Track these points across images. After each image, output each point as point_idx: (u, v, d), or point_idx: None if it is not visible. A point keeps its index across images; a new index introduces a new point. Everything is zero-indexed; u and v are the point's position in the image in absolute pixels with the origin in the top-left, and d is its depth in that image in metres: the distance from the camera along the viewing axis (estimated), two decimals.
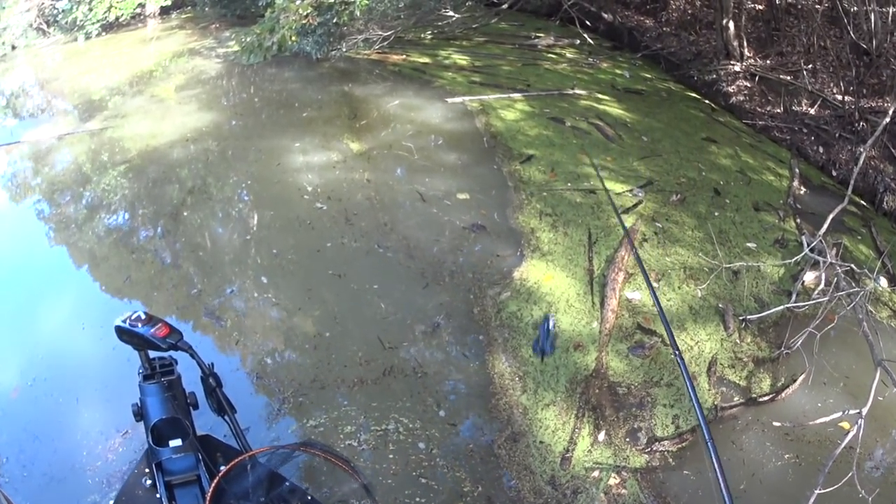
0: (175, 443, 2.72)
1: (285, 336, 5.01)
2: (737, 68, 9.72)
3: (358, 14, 9.29)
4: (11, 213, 7.30)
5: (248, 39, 8.99)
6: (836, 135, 8.07)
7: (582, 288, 5.32)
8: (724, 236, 6.06)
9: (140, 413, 2.95)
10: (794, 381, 4.51)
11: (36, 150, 8.80)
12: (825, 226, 5.92)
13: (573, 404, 4.37)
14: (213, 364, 3.02)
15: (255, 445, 3.05)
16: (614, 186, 6.72)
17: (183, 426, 2.80)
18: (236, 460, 2.67)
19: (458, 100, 8.92)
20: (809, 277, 5.44)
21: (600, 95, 9.22)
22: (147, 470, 2.75)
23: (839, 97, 8.46)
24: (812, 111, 8.61)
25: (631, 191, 6.69)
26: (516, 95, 9.08)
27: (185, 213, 6.70)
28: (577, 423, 4.24)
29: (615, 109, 8.71)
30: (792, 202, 6.74)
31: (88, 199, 7.27)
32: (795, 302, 5.08)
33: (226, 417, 3.01)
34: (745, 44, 9.87)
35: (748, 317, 5.00)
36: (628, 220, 6.16)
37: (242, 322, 5.18)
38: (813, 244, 5.39)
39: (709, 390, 4.49)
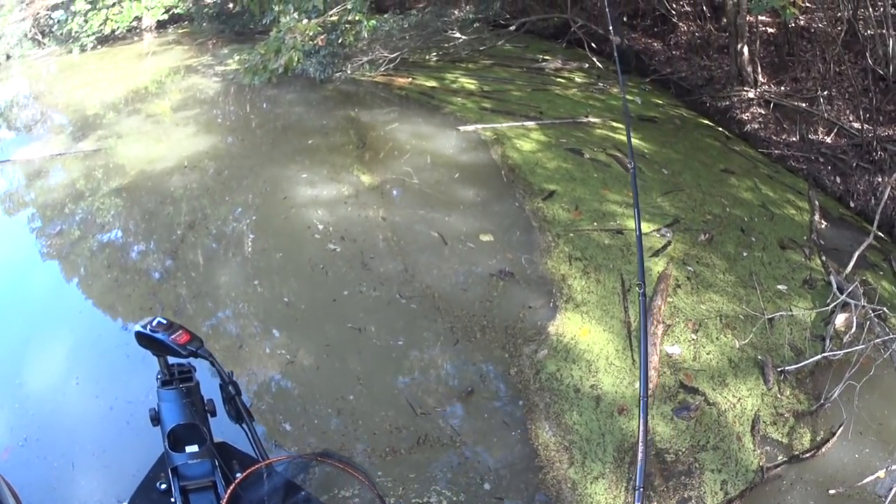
0: (192, 448, 2.71)
1: (304, 399, 4.61)
2: (751, 95, 9.50)
3: (365, 35, 8.98)
4: None
5: (252, 60, 8.61)
6: (854, 164, 7.90)
7: (620, 343, 5.02)
8: (756, 278, 5.83)
9: (157, 418, 2.92)
10: (833, 434, 4.36)
11: (26, 170, 8.45)
12: (850, 265, 5.92)
13: (622, 476, 4.08)
14: (232, 372, 2.98)
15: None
16: (641, 225, 6.41)
17: (200, 432, 2.80)
18: (253, 468, 2.63)
19: (470, 128, 8.61)
20: (840, 320, 5.27)
21: (614, 124, 8.95)
22: (162, 474, 2.73)
23: (856, 125, 8.28)
24: (828, 140, 8.42)
25: (658, 230, 6.41)
26: (530, 124, 8.78)
27: (185, 253, 6.31)
28: (627, 497, 3.96)
29: (631, 139, 8.41)
30: (815, 238, 6.57)
31: (80, 231, 6.88)
32: (829, 346, 4.97)
33: (243, 426, 2.95)
34: (759, 69, 9.63)
35: (786, 368, 4.80)
36: (659, 264, 5.91)
37: (255, 382, 4.80)
38: (849, 289, 5.39)
39: (753, 451, 4.26)
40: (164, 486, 2.67)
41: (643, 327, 2.73)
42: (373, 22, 9.03)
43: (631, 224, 6.39)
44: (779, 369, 4.85)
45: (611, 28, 6.29)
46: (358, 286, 5.68)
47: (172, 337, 2.83)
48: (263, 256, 6.21)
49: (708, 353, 4.98)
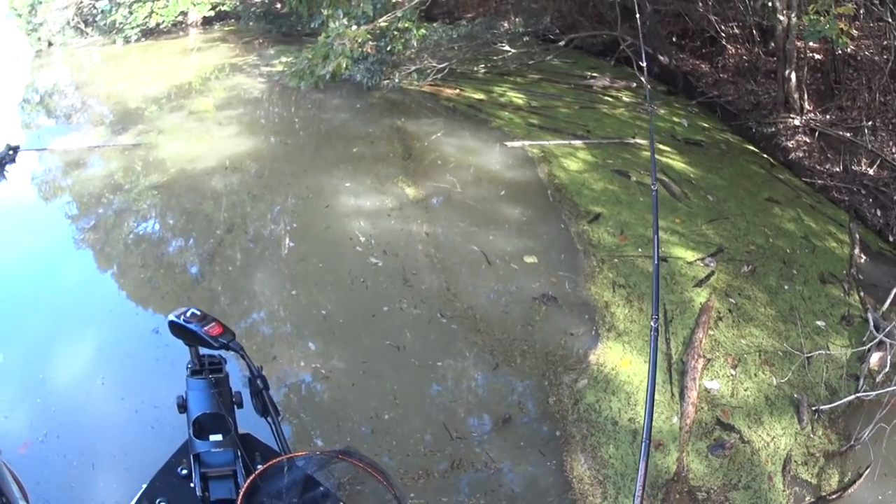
0: (216, 437, 2.76)
1: (337, 416, 4.58)
2: (796, 122, 9.37)
3: (414, 43, 8.97)
4: (25, 236, 6.86)
5: (300, 64, 8.60)
6: (894, 197, 7.73)
7: (661, 376, 4.96)
8: (795, 313, 5.77)
9: (184, 405, 2.98)
10: (860, 475, 4.32)
11: (63, 160, 8.53)
12: (888, 302, 5.89)
13: None
14: (261, 367, 3.02)
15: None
16: (685, 253, 6.41)
17: (225, 422, 2.84)
18: (274, 460, 2.66)
19: (517, 144, 8.60)
20: (874, 359, 5.21)
21: (661, 146, 8.87)
22: (184, 460, 2.77)
23: None
24: (871, 171, 8.29)
25: (703, 259, 6.36)
26: (577, 142, 8.75)
27: (223, 258, 6.31)
28: None
29: (678, 163, 8.37)
30: (855, 272, 6.51)
31: (115, 226, 6.91)
32: (862, 386, 4.95)
33: (269, 419, 2.98)
34: (805, 96, 9.51)
35: (821, 407, 4.76)
36: (702, 294, 5.85)
37: (288, 394, 4.79)
38: (886, 329, 5.27)
39: (783, 491, 4.22)
40: (184, 472, 2.71)
41: (652, 362, 2.76)
42: (422, 31, 9.02)
43: (675, 251, 6.41)
44: (813, 408, 4.79)
45: (642, 46, 6.16)
46: (398, 302, 5.65)
47: (206, 328, 2.88)
48: (302, 265, 6.20)
49: (746, 390, 4.93)
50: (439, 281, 5.93)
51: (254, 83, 11.43)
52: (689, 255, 6.39)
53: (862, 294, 6.15)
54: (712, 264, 6.31)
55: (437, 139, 8.83)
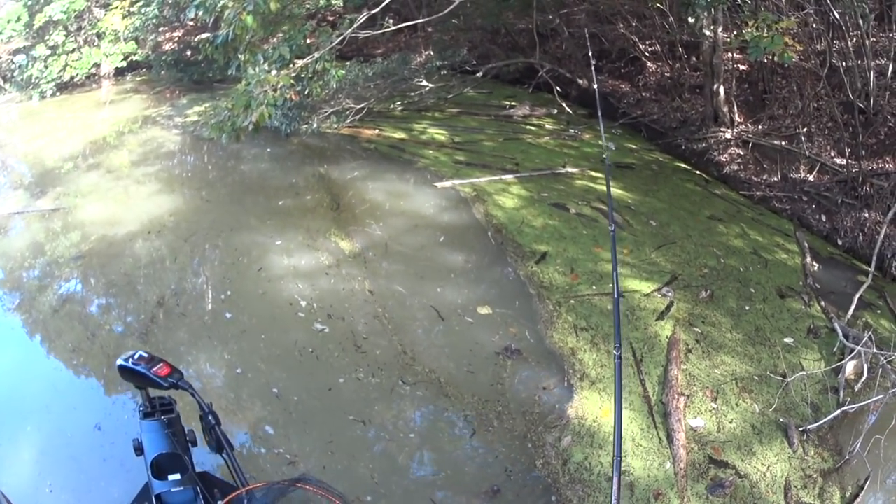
0: (174, 476, 2.83)
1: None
2: (727, 135, 9.34)
3: (333, 84, 8.55)
4: None
5: (219, 115, 7.98)
6: (839, 201, 7.78)
7: (644, 421, 4.73)
8: (762, 333, 5.70)
9: (140, 448, 3.04)
10: (862, 488, 4.30)
11: None
12: (851, 309, 5.95)
13: None
14: (211, 403, 3.08)
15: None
16: (640, 285, 6.22)
17: (182, 461, 2.91)
18: (234, 494, 2.71)
19: (447, 184, 8.29)
20: (850, 368, 5.21)
21: (593, 173, 8.72)
22: (146, 502, 2.83)
23: (838, 161, 8.16)
24: (811, 177, 8.28)
25: (659, 290, 6.17)
26: (508, 177, 8.49)
27: (157, 337, 5.76)
28: None
29: (613, 189, 8.14)
30: (811, 282, 6.49)
31: (39, 309, 6.33)
32: (843, 397, 4.98)
33: (224, 455, 3.04)
34: (735, 108, 9.48)
35: (808, 427, 4.69)
36: (666, 328, 5.66)
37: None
38: (854, 336, 5.45)
39: None
40: None
41: (617, 389, 2.78)
42: (341, 71, 8.57)
43: (630, 284, 6.21)
44: (800, 429, 4.70)
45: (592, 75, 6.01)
46: (354, 372, 5.21)
47: (154, 369, 3.00)
48: (244, 339, 5.69)
49: (731, 422, 4.76)
50: (393, 344, 5.52)
51: (168, 135, 10.98)
52: (645, 287, 6.20)
53: (823, 304, 6.14)
54: (670, 294, 6.13)
55: (365, 186, 8.47)
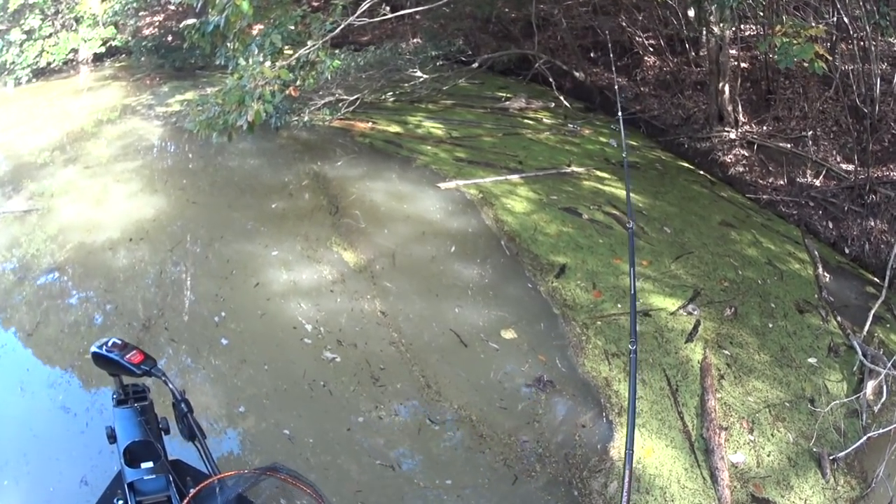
0: (147, 465, 2.81)
1: None
2: (732, 135, 9.09)
3: (328, 76, 8.06)
4: None
5: (209, 111, 7.31)
6: (845, 208, 7.61)
7: (686, 460, 4.49)
8: (787, 354, 5.56)
9: (113, 436, 3.02)
10: None
11: None
12: (867, 326, 5.89)
13: None
14: (184, 391, 3.02)
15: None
16: (664, 302, 6.00)
17: (155, 449, 2.90)
18: (206, 482, 2.70)
19: (450, 185, 7.93)
20: (870, 389, 5.15)
21: (599, 173, 8.45)
22: (119, 490, 2.78)
23: (844, 166, 8.01)
24: (817, 182, 8.10)
25: (684, 307, 5.95)
26: (513, 177, 8.17)
27: None
28: None
29: (621, 190, 7.87)
30: (826, 295, 6.40)
31: (14, 334, 5.61)
32: (865, 420, 4.92)
33: (196, 443, 3.01)
34: (739, 108, 9.20)
35: (837, 455, 4.58)
36: (696, 351, 5.45)
37: None
38: (873, 354, 5.46)
39: None
40: (120, 502, 2.71)
41: (631, 385, 3.04)
42: (337, 62, 8.00)
43: (654, 301, 5.99)
44: (830, 457, 4.56)
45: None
46: (374, 409, 4.76)
47: (127, 357, 2.96)
48: (246, 372, 5.10)
49: (769, 455, 4.59)
50: (414, 375, 5.08)
51: (149, 126, 10.43)
52: (670, 304, 5.97)
53: (839, 319, 6.05)
54: (696, 312, 5.91)
55: (363, 186, 8.01)
